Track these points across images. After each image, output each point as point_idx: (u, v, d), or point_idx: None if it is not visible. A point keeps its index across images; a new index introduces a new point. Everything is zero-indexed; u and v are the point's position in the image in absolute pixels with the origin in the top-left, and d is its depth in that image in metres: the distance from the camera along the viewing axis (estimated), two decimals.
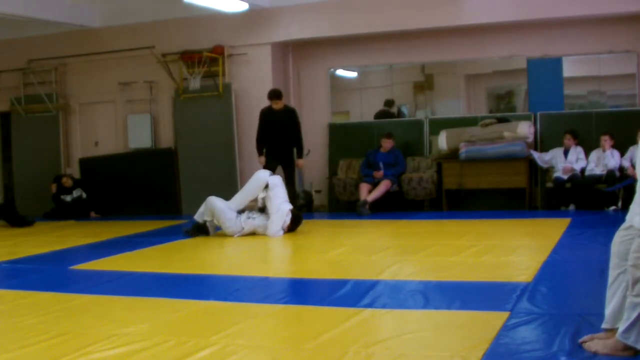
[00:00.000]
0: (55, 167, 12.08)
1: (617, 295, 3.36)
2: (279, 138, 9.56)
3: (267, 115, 9.65)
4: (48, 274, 6.33)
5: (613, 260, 3.41)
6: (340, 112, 11.69)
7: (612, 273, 3.41)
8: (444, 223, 9.07)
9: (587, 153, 9.74)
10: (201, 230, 8.30)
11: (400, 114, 11.38)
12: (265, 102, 9.72)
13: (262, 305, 4.72)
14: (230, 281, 5.80)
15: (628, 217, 3.34)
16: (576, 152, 9.76)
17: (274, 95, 9.60)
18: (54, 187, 11.46)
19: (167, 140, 11.74)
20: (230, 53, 11.17)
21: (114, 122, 12.07)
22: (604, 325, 3.45)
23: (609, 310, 3.42)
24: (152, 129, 11.71)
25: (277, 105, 9.56)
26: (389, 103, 11.36)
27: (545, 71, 10.30)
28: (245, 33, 11.06)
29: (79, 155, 12.22)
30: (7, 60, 12.25)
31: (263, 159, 9.62)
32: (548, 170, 9.94)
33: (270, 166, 9.47)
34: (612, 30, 9.91)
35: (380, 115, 11.34)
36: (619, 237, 3.38)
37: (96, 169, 11.91)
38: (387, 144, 10.45)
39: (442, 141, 10.16)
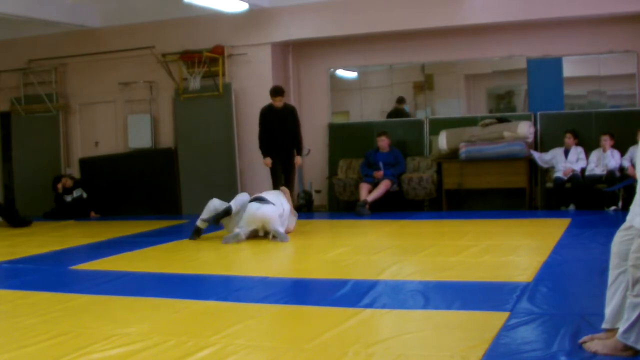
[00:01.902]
0: (55, 167, 12.09)
1: (617, 295, 3.36)
2: (281, 137, 9.43)
3: (268, 114, 9.50)
4: (48, 274, 6.33)
5: (613, 260, 3.41)
6: (340, 112, 11.68)
7: (612, 273, 3.41)
8: (444, 223, 9.07)
9: (587, 153, 9.74)
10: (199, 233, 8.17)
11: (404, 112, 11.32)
12: (265, 101, 9.68)
13: (262, 305, 4.71)
14: (230, 281, 5.80)
15: (628, 217, 3.34)
16: (576, 152, 9.76)
17: (277, 92, 9.42)
18: (60, 187, 11.45)
19: (167, 140, 11.74)
20: (230, 53, 11.17)
21: (114, 122, 12.07)
22: (604, 325, 3.45)
23: (609, 310, 3.42)
24: (152, 129, 11.71)
25: (278, 103, 9.43)
26: (400, 100, 11.26)
27: (545, 71, 10.30)
28: (245, 33, 11.06)
29: (79, 155, 12.22)
30: (7, 60, 12.25)
31: (269, 160, 9.42)
32: (548, 170, 9.94)
33: (273, 166, 9.36)
34: (612, 30, 9.91)
35: (392, 114, 11.27)
36: (619, 237, 3.38)
37: (96, 169, 11.91)
38: (382, 143, 10.43)
39: (442, 141, 10.15)
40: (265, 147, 9.48)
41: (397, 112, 11.27)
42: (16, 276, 6.34)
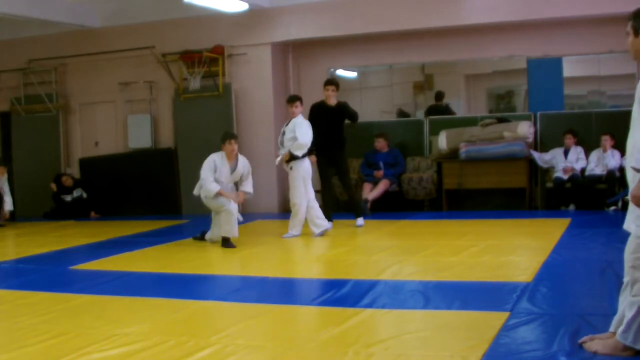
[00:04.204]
0: (55, 167, 12.09)
1: (625, 302, 3.34)
2: (328, 136, 8.75)
3: (317, 111, 8.92)
4: (48, 274, 6.33)
5: (625, 266, 3.38)
6: None
7: (625, 279, 3.38)
8: (444, 223, 9.07)
9: (587, 153, 9.74)
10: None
11: (448, 109, 11.02)
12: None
13: (262, 305, 4.71)
14: (230, 281, 5.80)
15: (625, 223, 3.34)
16: (576, 152, 9.76)
17: (328, 81, 8.95)
18: (54, 186, 11.47)
19: (167, 140, 11.74)
20: (230, 53, 11.17)
21: (114, 122, 12.08)
22: (610, 329, 3.42)
23: (617, 315, 3.40)
24: (152, 129, 11.71)
25: (331, 99, 8.78)
26: (439, 96, 11.03)
27: (545, 71, 10.29)
28: (245, 33, 11.06)
29: (79, 155, 12.22)
30: (7, 60, 12.26)
31: (313, 157, 8.68)
32: (548, 170, 9.95)
33: (323, 169, 8.84)
34: (612, 30, 9.87)
35: (431, 110, 11.00)
36: (628, 243, 3.37)
37: (96, 169, 11.91)
38: (379, 144, 10.41)
39: (442, 141, 10.15)
40: (313, 144, 8.62)
41: (436, 110, 10.97)
42: (16, 276, 6.35)
